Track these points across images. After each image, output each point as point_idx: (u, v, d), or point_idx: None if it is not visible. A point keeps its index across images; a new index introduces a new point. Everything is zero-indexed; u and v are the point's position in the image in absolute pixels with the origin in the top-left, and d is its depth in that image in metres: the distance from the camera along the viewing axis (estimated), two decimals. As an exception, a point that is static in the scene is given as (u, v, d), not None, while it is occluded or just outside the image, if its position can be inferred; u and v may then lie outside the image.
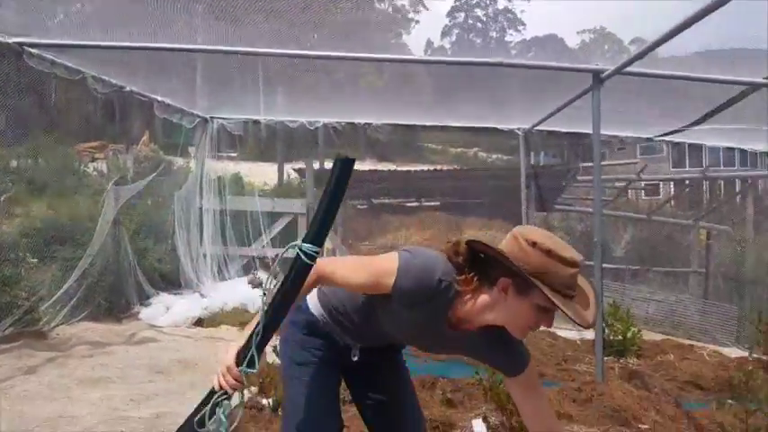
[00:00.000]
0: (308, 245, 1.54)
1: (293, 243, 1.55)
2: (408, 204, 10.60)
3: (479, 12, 50.06)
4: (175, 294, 7.01)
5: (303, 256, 1.54)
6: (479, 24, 50.01)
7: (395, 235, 9.60)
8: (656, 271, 9.05)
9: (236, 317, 6.48)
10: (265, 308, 1.58)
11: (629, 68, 4.75)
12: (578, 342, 6.31)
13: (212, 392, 1.62)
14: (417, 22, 42.91)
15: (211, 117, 8.18)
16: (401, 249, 1.78)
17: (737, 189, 9.56)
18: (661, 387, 4.85)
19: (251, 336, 1.59)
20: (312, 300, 2.07)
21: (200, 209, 8.14)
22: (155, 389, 4.39)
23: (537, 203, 9.57)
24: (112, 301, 6.30)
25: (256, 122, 8.27)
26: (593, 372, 4.99)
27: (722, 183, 10.87)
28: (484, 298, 1.72)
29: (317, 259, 1.62)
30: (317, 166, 10.68)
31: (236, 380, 1.59)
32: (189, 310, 6.44)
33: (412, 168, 12.86)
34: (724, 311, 7.08)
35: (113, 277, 6.36)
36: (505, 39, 47.47)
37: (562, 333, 6.70)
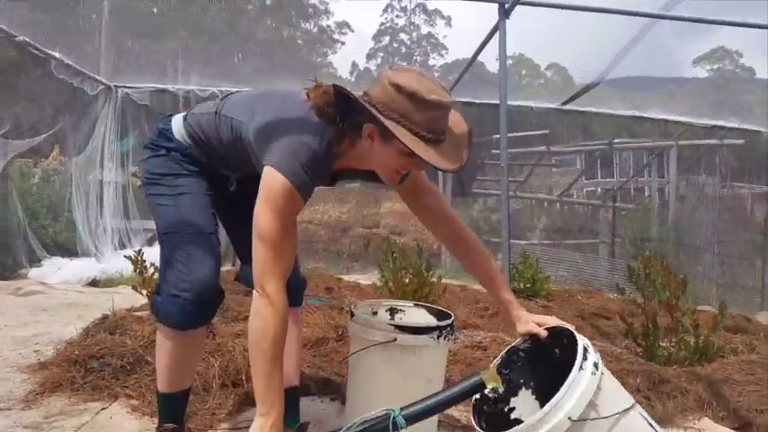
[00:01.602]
0: (403, 420, 1.54)
1: (392, 408, 1.55)
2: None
3: (404, 36, 51.22)
4: (71, 259, 6.55)
5: (391, 424, 1.53)
6: (404, 48, 51.18)
7: (312, 209, 9.40)
8: (568, 244, 9.27)
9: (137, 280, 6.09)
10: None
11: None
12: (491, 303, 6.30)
13: None
14: (343, 43, 43.55)
15: (115, 85, 7.82)
16: (268, 157, 1.62)
17: (643, 163, 10.06)
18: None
19: None
20: (177, 128, 1.92)
21: (101, 181, 7.71)
22: (36, 319, 4.03)
23: (456, 185, 9.62)
24: (-2, 258, 5.83)
25: (164, 92, 7.98)
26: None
27: (630, 154, 11.40)
28: (358, 149, 1.66)
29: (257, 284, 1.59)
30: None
31: None
32: (84, 270, 6.02)
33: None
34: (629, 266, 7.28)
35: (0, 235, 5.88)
36: (429, 62, 48.69)
37: (476, 287, 6.72)
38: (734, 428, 2.60)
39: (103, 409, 2.42)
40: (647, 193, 11.49)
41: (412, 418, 1.56)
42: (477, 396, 1.74)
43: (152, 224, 6.50)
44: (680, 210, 8.16)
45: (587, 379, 1.45)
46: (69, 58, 6.85)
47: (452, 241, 2.01)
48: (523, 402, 1.78)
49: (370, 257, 7.65)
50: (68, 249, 6.95)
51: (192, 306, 1.77)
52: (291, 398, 2.05)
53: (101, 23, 7.85)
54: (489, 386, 1.63)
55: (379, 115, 1.52)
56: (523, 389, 1.80)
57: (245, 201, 1.89)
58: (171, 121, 1.93)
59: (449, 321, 2.13)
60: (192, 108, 1.95)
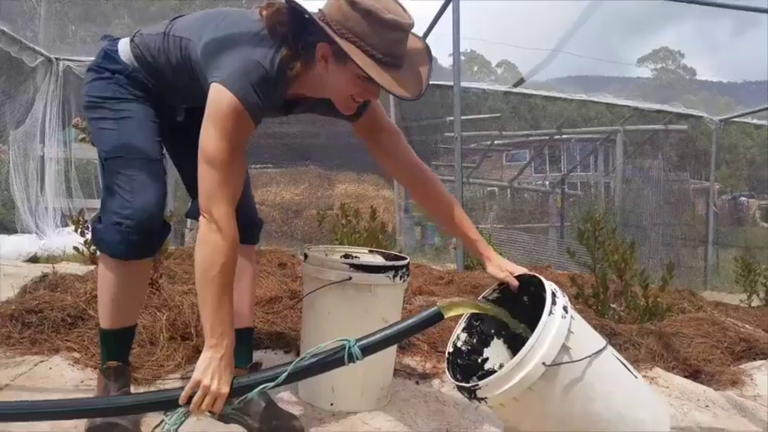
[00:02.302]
0: (359, 350, 1.48)
1: (347, 339, 1.50)
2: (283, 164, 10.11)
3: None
4: (8, 235, 6.25)
5: (346, 355, 1.47)
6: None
7: (264, 191, 9.21)
8: (519, 228, 9.41)
9: (80, 257, 5.85)
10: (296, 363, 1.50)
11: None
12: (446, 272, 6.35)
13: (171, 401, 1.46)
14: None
15: (57, 58, 7.48)
16: (215, 74, 1.54)
17: (590, 150, 10.34)
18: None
19: (259, 381, 1.47)
20: (124, 50, 1.81)
21: (42, 157, 7.38)
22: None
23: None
24: (-74, 234, 5.50)
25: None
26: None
27: (577, 148, 11.63)
28: (313, 74, 1.58)
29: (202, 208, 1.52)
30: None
31: (213, 410, 1.45)
32: (23, 245, 5.74)
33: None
34: (577, 248, 7.42)
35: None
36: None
37: (432, 266, 6.75)
38: (684, 376, 2.66)
39: (42, 361, 2.29)
40: (593, 182, 11.81)
41: (368, 349, 1.51)
42: (450, 350, 1.72)
43: (95, 203, 6.26)
44: (625, 191, 8.37)
45: (558, 323, 1.44)
46: (5, 25, 6.51)
47: (412, 182, 1.96)
48: (496, 352, 1.77)
49: (324, 239, 7.56)
50: (6, 227, 6.65)
51: (134, 235, 1.68)
52: (245, 338, 1.98)
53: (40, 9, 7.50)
54: (447, 316, 1.59)
55: (332, 34, 1.45)
56: (495, 338, 1.79)
57: (195, 131, 1.79)
58: (117, 42, 1.83)
59: (404, 262, 2.10)
60: (140, 29, 1.85)
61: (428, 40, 1.74)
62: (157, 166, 1.75)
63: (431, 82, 1.67)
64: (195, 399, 1.42)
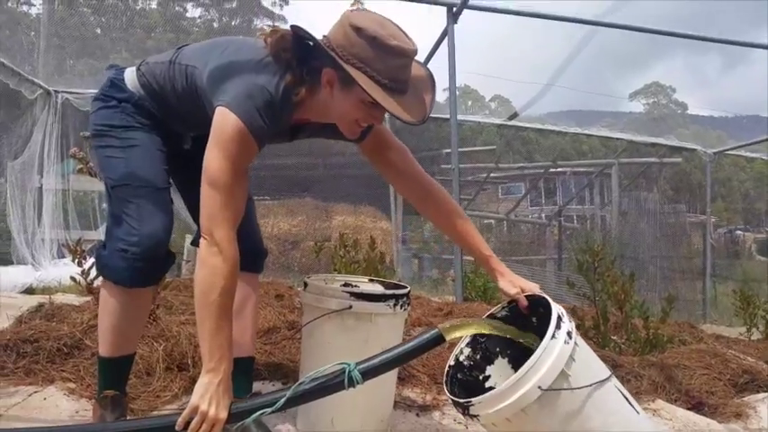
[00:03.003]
0: (359, 374, 1.47)
1: (347, 362, 1.49)
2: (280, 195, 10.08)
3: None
4: (5, 267, 6.21)
5: (346, 379, 1.47)
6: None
7: (261, 222, 9.16)
8: (517, 260, 9.39)
9: (76, 288, 5.81)
10: (295, 387, 1.49)
11: (479, 3, 5.01)
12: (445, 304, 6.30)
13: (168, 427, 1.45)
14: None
15: (55, 90, 7.54)
16: (220, 98, 1.55)
17: (585, 183, 10.43)
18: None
19: (258, 406, 1.45)
20: (130, 78, 1.83)
21: (40, 188, 7.39)
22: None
23: (408, 202, 9.62)
24: None
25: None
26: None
27: (572, 182, 11.73)
28: (318, 99, 1.60)
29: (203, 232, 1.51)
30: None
31: None
32: (19, 277, 5.70)
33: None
34: (575, 279, 7.40)
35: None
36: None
37: (432, 297, 6.70)
38: (687, 408, 2.62)
39: (36, 391, 2.25)
40: (589, 214, 11.87)
41: (368, 373, 1.49)
42: (452, 363, 1.69)
43: (93, 235, 6.19)
44: (622, 224, 8.40)
45: (559, 348, 1.41)
46: (5, 58, 6.58)
47: (423, 198, 1.93)
48: (499, 371, 1.74)
49: (322, 270, 7.50)
50: (2, 259, 6.61)
51: (139, 262, 1.66)
52: (246, 368, 1.95)
53: (39, 43, 7.63)
54: (449, 338, 1.57)
55: (338, 59, 1.47)
56: (499, 357, 1.76)
57: (201, 159, 1.82)
58: (123, 71, 1.84)
59: (405, 291, 2.08)
60: (146, 58, 1.86)
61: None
62: (164, 194, 1.75)
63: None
64: (192, 425, 1.40)
